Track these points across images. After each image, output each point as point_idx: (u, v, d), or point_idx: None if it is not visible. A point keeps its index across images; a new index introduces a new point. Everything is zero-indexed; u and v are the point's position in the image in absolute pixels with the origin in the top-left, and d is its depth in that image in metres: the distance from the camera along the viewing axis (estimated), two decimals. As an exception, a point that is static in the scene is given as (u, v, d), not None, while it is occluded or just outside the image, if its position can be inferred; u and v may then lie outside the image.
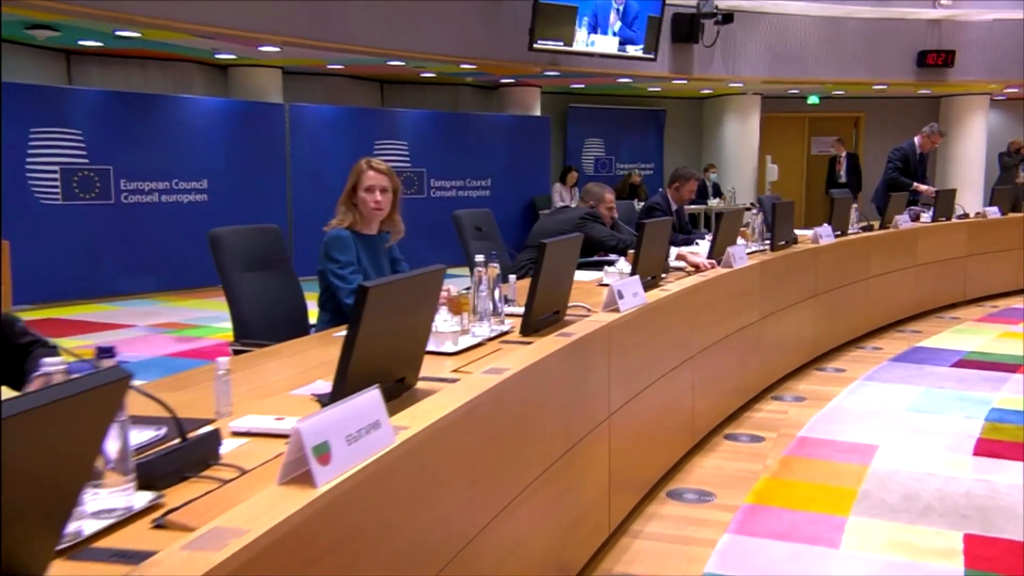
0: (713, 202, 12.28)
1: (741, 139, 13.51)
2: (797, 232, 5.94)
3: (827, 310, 5.64)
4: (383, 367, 1.80)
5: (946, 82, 11.84)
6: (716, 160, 13.49)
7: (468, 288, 2.77)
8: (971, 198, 12.20)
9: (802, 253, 5.28)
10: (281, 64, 9.81)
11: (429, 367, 2.15)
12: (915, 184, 8.29)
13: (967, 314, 7.25)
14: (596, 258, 4.55)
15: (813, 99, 14.19)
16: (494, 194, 11.17)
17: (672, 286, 3.62)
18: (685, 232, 6.09)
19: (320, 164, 9.63)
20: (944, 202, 7.58)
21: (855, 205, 6.65)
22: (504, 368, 2.12)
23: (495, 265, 2.75)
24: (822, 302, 5.55)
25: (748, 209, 11.75)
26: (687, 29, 10.44)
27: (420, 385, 2.02)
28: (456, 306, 2.67)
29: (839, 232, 6.11)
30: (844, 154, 13.96)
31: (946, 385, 4.90)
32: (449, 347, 2.46)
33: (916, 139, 8.34)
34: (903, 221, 6.83)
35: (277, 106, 9.61)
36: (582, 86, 12.18)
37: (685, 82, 11.36)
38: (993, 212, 8.03)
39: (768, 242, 5.26)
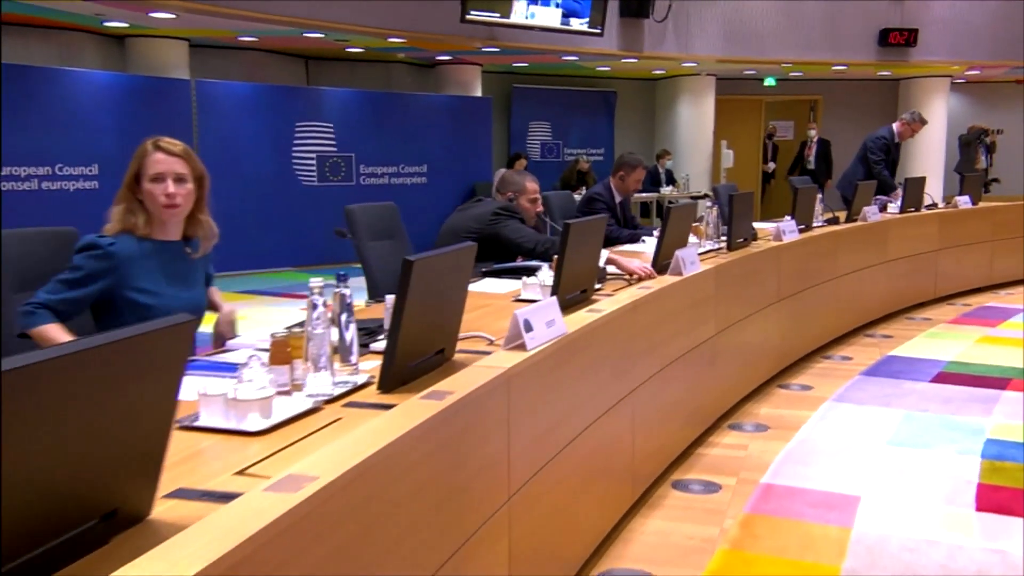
0: (666, 190, 11.58)
1: (695, 123, 12.81)
2: (756, 225, 5.22)
3: (791, 317, 4.93)
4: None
5: (908, 62, 11.25)
6: (670, 145, 12.78)
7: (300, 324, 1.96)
8: (932, 185, 11.66)
9: (763, 253, 4.54)
10: (186, 35, 8.80)
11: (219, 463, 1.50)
12: (898, 189, 7.67)
13: (939, 314, 6.61)
14: (518, 263, 3.74)
15: (770, 81, 13.55)
16: (431, 181, 10.31)
17: (605, 304, 2.83)
18: (631, 227, 5.33)
19: (233, 148, 8.68)
20: (913, 191, 6.93)
21: (820, 195, 5.95)
22: (311, 476, 1.31)
23: (344, 288, 1.92)
24: (786, 308, 4.83)
25: (703, 198, 11.09)
26: (636, 2, 9.65)
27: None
28: (281, 353, 1.84)
29: (803, 226, 5.40)
30: (816, 138, 13.32)
31: (929, 407, 4.21)
32: (255, 422, 1.62)
33: (895, 126, 7.69)
34: (872, 213, 6.15)
35: (182, 82, 8.61)
36: (526, 65, 11.34)
37: (635, 61, 10.59)
38: (964, 201, 7.41)
39: (725, 240, 4.52)
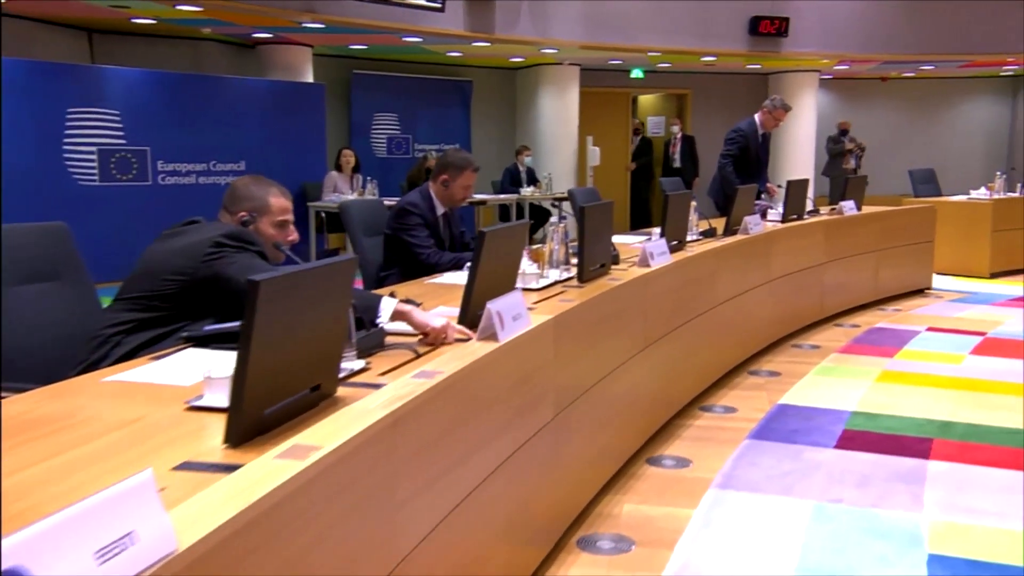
0: (527, 191, 10.43)
1: (559, 117, 11.73)
2: (617, 241, 4.10)
3: (662, 365, 3.80)
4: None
5: (780, 53, 10.54)
6: (531, 140, 11.65)
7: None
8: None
9: (624, 289, 3.37)
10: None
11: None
12: (769, 184, 6.76)
13: (828, 340, 5.70)
14: (234, 325, 2.38)
15: (637, 73, 12.65)
16: (249, 181, 8.74)
17: (356, 409, 1.56)
18: (456, 248, 4.07)
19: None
20: (796, 196, 6.00)
21: (694, 203, 4.88)
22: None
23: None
24: (655, 356, 3.69)
25: (556, 204, 9.99)
26: (486, -23, 8.43)
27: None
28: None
29: (676, 242, 4.31)
30: (680, 135, 12.51)
31: (843, 495, 3.14)
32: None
33: (757, 117, 6.76)
34: (754, 224, 5.13)
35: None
36: (364, 47, 9.90)
37: (488, 45, 9.37)
38: (849, 207, 6.57)
39: (574, 269, 3.35)
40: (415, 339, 2.25)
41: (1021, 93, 13.94)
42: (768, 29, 10.11)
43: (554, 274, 3.42)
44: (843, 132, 12.63)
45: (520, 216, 10.37)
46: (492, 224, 10.14)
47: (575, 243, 3.38)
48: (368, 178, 8.95)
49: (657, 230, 4.52)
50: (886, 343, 5.55)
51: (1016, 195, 8.46)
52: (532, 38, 8.90)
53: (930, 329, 5.92)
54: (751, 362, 5.09)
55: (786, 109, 6.68)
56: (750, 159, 6.71)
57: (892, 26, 10.74)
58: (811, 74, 12.30)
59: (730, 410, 4.21)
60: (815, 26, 10.48)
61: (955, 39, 10.85)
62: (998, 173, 8.66)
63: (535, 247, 3.58)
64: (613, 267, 3.68)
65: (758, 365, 5.06)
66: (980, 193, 8.53)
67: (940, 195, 9.13)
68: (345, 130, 10.58)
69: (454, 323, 2.32)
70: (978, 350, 5.31)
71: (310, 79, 9.62)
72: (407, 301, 2.38)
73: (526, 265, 3.29)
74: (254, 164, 8.82)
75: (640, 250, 3.76)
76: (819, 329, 6.01)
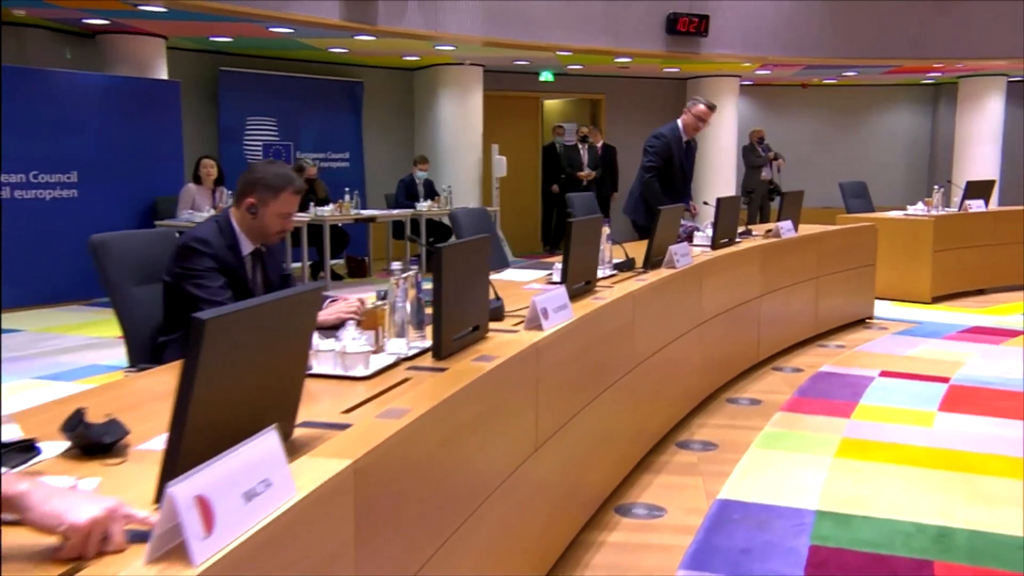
0: (424, 205, 9.26)
1: (460, 123, 10.60)
2: (511, 277, 3.04)
3: (562, 465, 2.70)
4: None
5: (699, 55, 9.66)
6: (430, 148, 10.49)
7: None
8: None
9: (506, 369, 2.25)
10: None
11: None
12: (693, 204, 5.78)
13: (769, 391, 4.72)
14: None
15: (546, 75, 11.64)
16: (84, 194, 7.33)
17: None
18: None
19: None
20: (727, 217, 5.02)
21: (607, 229, 3.81)
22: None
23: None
24: (552, 455, 2.59)
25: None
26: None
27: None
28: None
29: (583, 283, 3.24)
30: (600, 143, 11.42)
31: None
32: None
33: (679, 121, 5.79)
34: (681, 256, 4.09)
35: None
36: (228, 39, 8.56)
37: (374, 39, 8.17)
38: (786, 229, 5.63)
39: (425, 338, 2.25)
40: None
41: (942, 102, 13.52)
42: (687, 28, 9.22)
43: (397, 347, 2.29)
44: (760, 141, 11.89)
45: (416, 233, 9.19)
46: (384, 244, 8.86)
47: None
48: (232, 192, 7.62)
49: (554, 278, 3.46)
50: (837, 395, 4.60)
51: (955, 211, 7.74)
52: (422, 31, 7.74)
53: (884, 374, 5.01)
54: (680, 428, 4.05)
55: (710, 107, 5.72)
56: (673, 170, 5.73)
57: (816, 28, 10.02)
58: (731, 79, 11.52)
59: (656, 512, 3.14)
60: (736, 26, 9.65)
61: (880, 44, 10.20)
62: (936, 187, 7.93)
63: (373, 305, 2.43)
64: (492, 328, 2.57)
65: (689, 433, 4.02)
66: (918, 209, 7.78)
67: (873, 210, 8.37)
68: (213, 136, 9.20)
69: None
70: (947, 404, 4.40)
71: (164, 75, 8.23)
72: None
73: (349, 338, 2.14)
74: (89, 175, 7.41)
75: (532, 305, 2.64)
76: (757, 376, 5.04)
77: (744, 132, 11.91)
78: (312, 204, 8.28)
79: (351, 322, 2.23)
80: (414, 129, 11.06)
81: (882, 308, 6.84)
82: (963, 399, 4.49)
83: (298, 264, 8.21)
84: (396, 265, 2.37)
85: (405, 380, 2.11)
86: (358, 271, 9.08)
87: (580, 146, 10.96)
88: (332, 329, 2.40)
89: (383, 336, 2.34)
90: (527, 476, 2.42)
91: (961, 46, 10.30)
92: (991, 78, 11.83)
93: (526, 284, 3.63)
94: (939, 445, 3.78)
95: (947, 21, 10.17)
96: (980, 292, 7.72)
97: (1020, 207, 8.15)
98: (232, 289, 2.71)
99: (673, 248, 4.06)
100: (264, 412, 1.49)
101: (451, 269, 2.28)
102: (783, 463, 3.59)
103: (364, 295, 2.75)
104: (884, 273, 6.85)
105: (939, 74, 12.18)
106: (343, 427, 1.72)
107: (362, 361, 2.13)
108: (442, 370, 2.20)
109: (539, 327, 2.59)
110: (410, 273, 2.42)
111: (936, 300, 7.31)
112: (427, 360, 2.28)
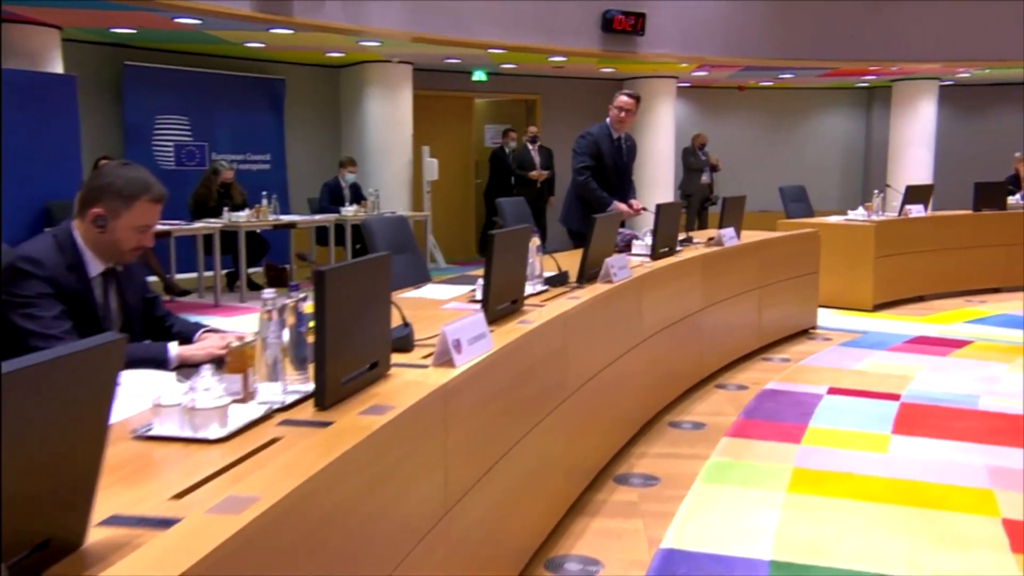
0: (350, 209, 8.76)
1: (389, 123, 10.10)
2: (430, 294, 2.62)
3: (487, 517, 2.28)
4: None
5: (636, 55, 9.37)
6: (357, 150, 9.98)
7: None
8: (662, 200, 9.94)
9: (408, 422, 1.82)
10: None
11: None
12: (615, 203, 5.37)
13: (713, 412, 4.38)
14: None
15: (479, 75, 11.22)
16: (-35, 200, 6.62)
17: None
18: (150, 335, 2.40)
19: None
20: (667, 224, 4.66)
21: (536, 241, 3.41)
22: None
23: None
24: (475, 507, 2.16)
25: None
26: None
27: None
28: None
29: (508, 303, 2.84)
30: (536, 146, 10.94)
31: None
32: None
33: (608, 119, 5.45)
34: (618, 269, 3.72)
35: None
36: (131, 31, 7.91)
37: (291, 33, 7.64)
38: (728, 236, 5.31)
39: (309, 380, 1.80)
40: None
41: (876, 106, 13.54)
42: (623, 26, 8.91)
43: (270, 393, 1.84)
44: (700, 147, 11.68)
45: (340, 240, 8.68)
46: (307, 251, 8.33)
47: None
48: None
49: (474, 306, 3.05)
50: (786, 416, 4.28)
51: (895, 216, 7.57)
52: (343, 25, 7.23)
53: (832, 391, 4.73)
54: (620, 459, 3.67)
55: (631, 96, 5.39)
56: (606, 169, 5.38)
57: (753, 28, 9.83)
58: (669, 80, 11.28)
59: (591, 566, 2.74)
60: (673, 25, 9.39)
61: (817, 45, 10.07)
62: (876, 192, 7.76)
63: (239, 343, 1.96)
64: (397, 362, 2.14)
65: (628, 464, 3.64)
66: (858, 213, 7.58)
67: (812, 214, 8.17)
68: (117, 136, 8.53)
69: None
70: (901, 426, 4.11)
71: (59, 69, 7.55)
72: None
73: (203, 387, 1.68)
74: (-28, 178, 6.69)
75: (439, 343, 2.21)
76: (700, 395, 4.70)
77: (681, 135, 11.68)
78: (227, 209, 7.71)
79: (207, 366, 1.77)
80: (341, 130, 10.52)
81: (825, 317, 6.60)
82: (916, 419, 4.22)
83: (210, 273, 7.63)
84: (268, 293, 1.92)
85: (275, 440, 1.67)
86: (278, 280, 8.52)
87: (530, 146, 10.46)
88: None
89: (252, 380, 1.89)
90: (437, 542, 1.99)
91: (896, 48, 10.24)
92: (924, 82, 11.84)
93: (445, 304, 3.20)
94: (897, 475, 3.47)
95: (882, 21, 10.09)
96: (920, 299, 7.57)
97: (960, 212, 8.04)
98: (76, 318, 2.22)
99: (610, 261, 3.68)
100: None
101: (339, 296, 1.85)
102: (732, 501, 3.24)
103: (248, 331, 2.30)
104: (826, 280, 6.61)
105: (874, 77, 12.16)
106: (165, 524, 1.27)
107: (216, 418, 1.68)
108: (325, 424, 1.76)
109: (450, 363, 2.17)
110: (289, 302, 1.97)
111: (877, 308, 7.12)
112: (307, 410, 1.84)
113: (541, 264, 3.54)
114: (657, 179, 11.27)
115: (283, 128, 9.94)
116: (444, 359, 2.18)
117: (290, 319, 1.94)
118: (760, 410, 4.40)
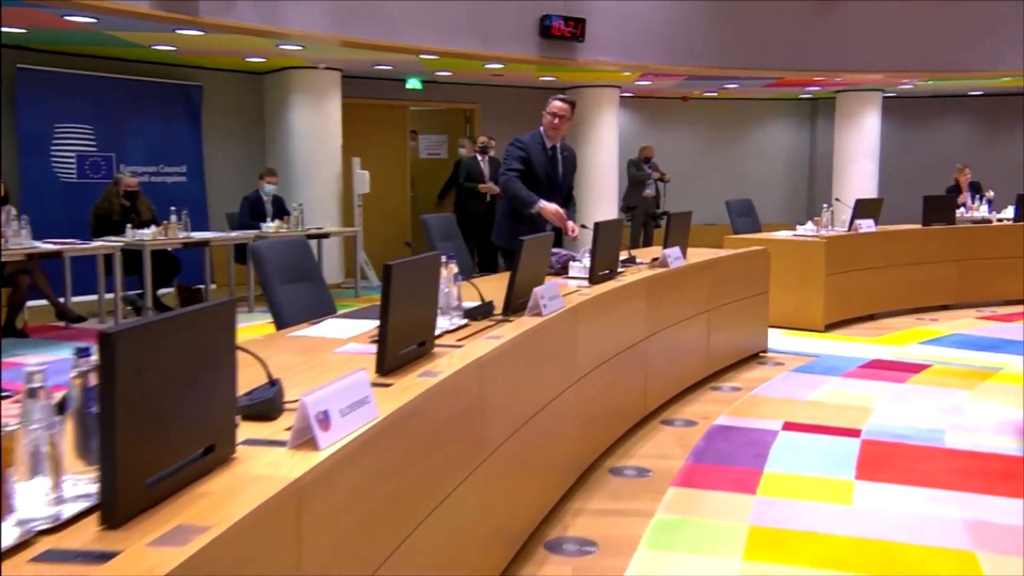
0: (271, 225, 8.15)
1: (317, 133, 9.52)
2: (335, 325, 2.09)
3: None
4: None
5: (575, 62, 8.96)
6: (284, 162, 9.38)
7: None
8: (605, 215, 9.54)
9: (241, 539, 1.28)
10: None
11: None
12: (541, 203, 4.84)
13: (659, 456, 3.92)
14: None
15: (413, 83, 10.70)
16: None
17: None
18: None
19: None
20: (607, 242, 4.19)
21: (453, 269, 2.91)
22: None
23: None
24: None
25: (322, 238, 7.69)
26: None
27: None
28: None
29: (414, 346, 2.34)
30: (486, 157, 10.28)
31: None
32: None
33: (542, 127, 5.00)
34: (549, 300, 3.23)
35: None
36: (22, 31, 7.20)
37: (202, 35, 7.02)
38: (675, 257, 4.87)
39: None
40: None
41: (820, 117, 13.39)
42: (561, 32, 8.49)
43: (32, 508, 1.29)
44: (646, 160, 11.32)
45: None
46: (226, 270, 7.66)
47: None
48: (21, 216, 6.32)
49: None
50: (739, 459, 3.84)
51: (844, 231, 7.26)
52: (257, 26, 6.66)
53: (787, 426, 4.31)
54: (553, 517, 3.17)
55: (567, 103, 4.94)
56: (537, 179, 4.90)
57: (697, 34, 9.51)
58: (611, 90, 10.91)
59: (513, 673, 2.23)
60: (614, 31, 9.01)
61: (762, 53, 9.80)
62: (824, 206, 7.45)
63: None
64: (251, 439, 1.61)
65: (562, 526, 3.15)
66: (807, 229, 7.27)
67: (760, 229, 7.83)
68: (10, 146, 7.78)
69: None
70: (865, 469, 3.70)
71: (-61, 71, 6.82)
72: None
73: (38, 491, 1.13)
74: None
75: (300, 409, 1.68)
76: (644, 433, 4.23)
77: (625, 146, 11.32)
78: (130, 227, 7.04)
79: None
80: (264, 140, 9.89)
81: (775, 339, 6.23)
82: (880, 460, 3.81)
83: (111, 295, 6.94)
84: (33, 361, 1.37)
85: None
86: (191, 302, 7.81)
87: (479, 157, 9.81)
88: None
89: (11, 484, 1.34)
90: None
91: (840, 58, 10.04)
92: (867, 93, 11.70)
93: (342, 346, 2.67)
94: (866, 534, 3.04)
95: (827, 31, 9.87)
96: (871, 317, 7.27)
97: (911, 226, 7.78)
98: None
99: (539, 290, 3.18)
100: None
101: (144, 361, 1.33)
102: (681, 571, 2.76)
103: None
104: (776, 299, 6.25)
105: (818, 88, 11.99)
106: None
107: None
108: (105, 557, 1.22)
109: (312, 444, 1.64)
110: (80, 368, 1.43)
111: (829, 327, 6.78)
112: (90, 529, 1.30)
113: (459, 294, 3.04)
114: (601, 193, 10.89)
115: (201, 138, 9.28)
116: (303, 439, 1.65)
117: (75, 396, 1.40)
118: (710, 451, 3.95)
